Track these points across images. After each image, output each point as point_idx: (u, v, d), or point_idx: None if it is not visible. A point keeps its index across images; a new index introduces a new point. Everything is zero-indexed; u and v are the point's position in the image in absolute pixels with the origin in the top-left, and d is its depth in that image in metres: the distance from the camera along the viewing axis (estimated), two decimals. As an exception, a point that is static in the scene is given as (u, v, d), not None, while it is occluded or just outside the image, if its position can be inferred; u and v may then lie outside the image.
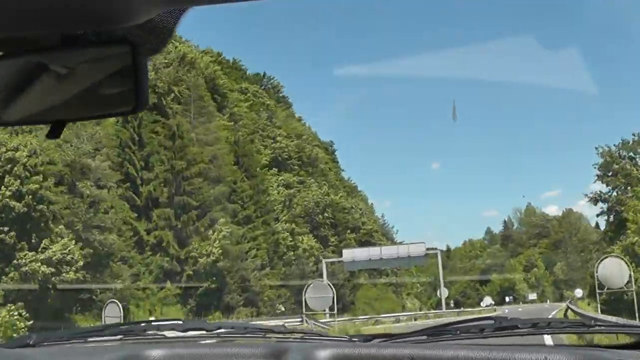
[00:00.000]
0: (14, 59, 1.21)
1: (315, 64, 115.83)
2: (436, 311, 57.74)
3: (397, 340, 2.21)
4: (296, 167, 67.84)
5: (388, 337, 2.25)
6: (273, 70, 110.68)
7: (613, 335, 4.84)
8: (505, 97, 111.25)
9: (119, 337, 2.33)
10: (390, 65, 79.95)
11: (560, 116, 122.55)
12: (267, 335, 2.30)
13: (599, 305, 27.96)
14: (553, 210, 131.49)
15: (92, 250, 35.69)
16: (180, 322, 2.40)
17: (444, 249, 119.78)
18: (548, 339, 5.46)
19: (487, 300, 69.04)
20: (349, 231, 67.86)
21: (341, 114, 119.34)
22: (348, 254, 53.28)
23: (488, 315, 3.50)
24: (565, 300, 74.84)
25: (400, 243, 66.88)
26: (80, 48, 1.19)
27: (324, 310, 30.65)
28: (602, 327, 2.42)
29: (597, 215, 56.87)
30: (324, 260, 53.89)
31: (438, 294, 56.18)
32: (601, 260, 26.22)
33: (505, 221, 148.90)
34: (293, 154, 67.07)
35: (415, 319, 48.85)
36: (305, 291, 29.31)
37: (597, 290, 25.92)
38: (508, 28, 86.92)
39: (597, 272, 25.23)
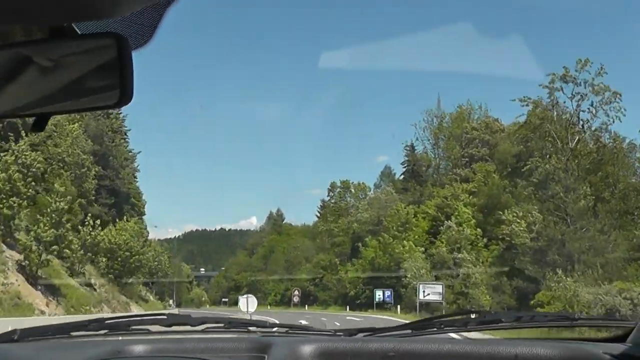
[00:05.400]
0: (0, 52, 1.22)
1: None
2: None
3: (382, 334, 2.28)
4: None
5: (372, 331, 2.31)
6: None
7: (596, 329, 4.43)
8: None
9: (103, 332, 2.36)
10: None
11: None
12: (251, 330, 2.39)
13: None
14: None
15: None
16: (165, 317, 2.41)
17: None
18: (531, 333, 3.83)
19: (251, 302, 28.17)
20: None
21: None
22: None
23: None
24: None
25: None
26: (65, 40, 1.20)
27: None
28: (586, 321, 2.55)
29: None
30: None
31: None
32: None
33: (411, 144, 66.22)
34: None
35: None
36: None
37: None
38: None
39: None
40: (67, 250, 33.81)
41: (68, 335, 2.35)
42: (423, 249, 49.61)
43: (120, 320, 2.42)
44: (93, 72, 1.22)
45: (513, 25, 79.06)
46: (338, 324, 26.95)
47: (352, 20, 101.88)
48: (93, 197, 43.59)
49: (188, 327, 2.34)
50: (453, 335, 2.26)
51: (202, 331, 2.32)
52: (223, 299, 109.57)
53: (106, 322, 2.39)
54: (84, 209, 40.88)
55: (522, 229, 37.62)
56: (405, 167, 70.47)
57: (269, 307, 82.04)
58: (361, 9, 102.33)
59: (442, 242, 45.61)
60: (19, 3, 0.99)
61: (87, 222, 36.41)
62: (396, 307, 46.57)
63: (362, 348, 2.03)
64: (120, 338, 2.31)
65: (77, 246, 34.40)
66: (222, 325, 2.36)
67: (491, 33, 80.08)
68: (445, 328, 2.22)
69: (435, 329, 2.22)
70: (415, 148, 68.28)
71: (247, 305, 26.52)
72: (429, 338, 2.17)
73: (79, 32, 1.20)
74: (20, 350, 2.22)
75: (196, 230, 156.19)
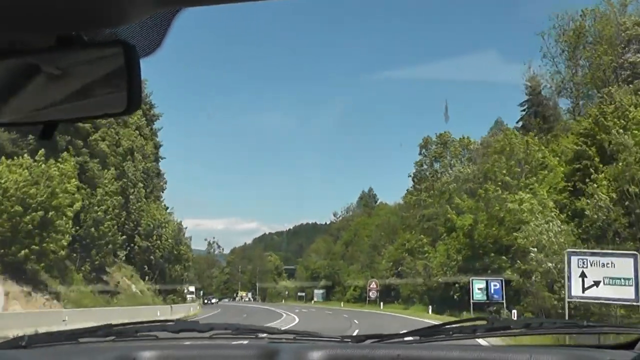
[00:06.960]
0: (7, 60, 1.25)
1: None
2: None
3: (390, 340, 2.28)
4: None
5: (380, 337, 2.31)
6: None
7: (604, 336, 4.42)
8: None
9: (111, 338, 2.39)
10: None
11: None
12: (259, 336, 2.40)
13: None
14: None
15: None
16: (173, 323, 2.46)
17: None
18: (540, 340, 4.63)
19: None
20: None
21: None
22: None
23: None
24: None
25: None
26: (73, 49, 1.23)
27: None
28: (595, 328, 2.53)
29: None
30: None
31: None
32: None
33: (533, 75, 39.73)
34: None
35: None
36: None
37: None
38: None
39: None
40: None
41: (76, 341, 2.38)
42: (557, 207, 28.15)
43: (128, 326, 2.45)
44: (101, 80, 1.23)
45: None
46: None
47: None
48: None
49: (196, 334, 2.37)
50: (462, 342, 2.27)
51: (210, 337, 2.35)
52: (299, 293, 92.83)
53: (114, 328, 2.42)
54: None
55: None
56: (524, 109, 48.43)
57: (342, 304, 62.98)
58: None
59: (603, 185, 24.09)
60: (27, 12, 1.01)
61: None
62: (511, 312, 25.63)
63: (370, 355, 2.06)
64: (128, 344, 2.35)
65: None
66: (229, 331, 2.39)
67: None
68: (454, 335, 2.23)
69: (443, 336, 2.24)
70: (541, 74, 46.04)
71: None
72: (437, 345, 2.19)
73: (87, 41, 1.19)
74: (29, 356, 2.25)
75: (306, 223, 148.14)
